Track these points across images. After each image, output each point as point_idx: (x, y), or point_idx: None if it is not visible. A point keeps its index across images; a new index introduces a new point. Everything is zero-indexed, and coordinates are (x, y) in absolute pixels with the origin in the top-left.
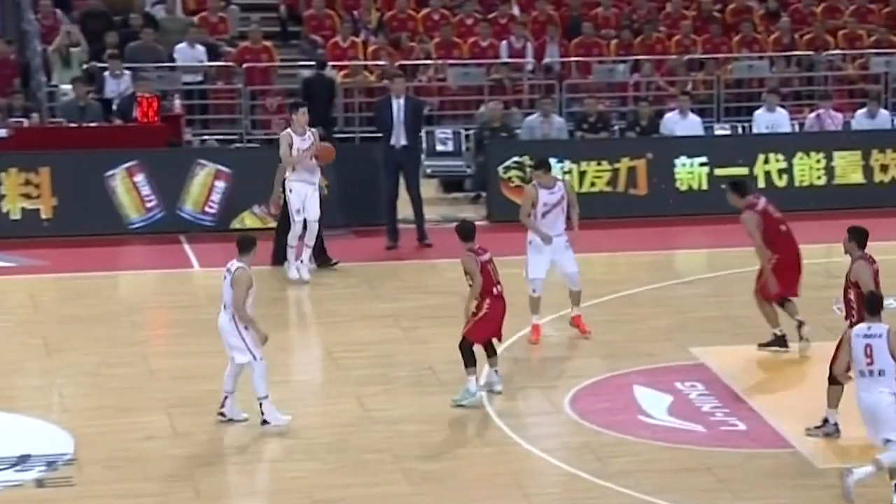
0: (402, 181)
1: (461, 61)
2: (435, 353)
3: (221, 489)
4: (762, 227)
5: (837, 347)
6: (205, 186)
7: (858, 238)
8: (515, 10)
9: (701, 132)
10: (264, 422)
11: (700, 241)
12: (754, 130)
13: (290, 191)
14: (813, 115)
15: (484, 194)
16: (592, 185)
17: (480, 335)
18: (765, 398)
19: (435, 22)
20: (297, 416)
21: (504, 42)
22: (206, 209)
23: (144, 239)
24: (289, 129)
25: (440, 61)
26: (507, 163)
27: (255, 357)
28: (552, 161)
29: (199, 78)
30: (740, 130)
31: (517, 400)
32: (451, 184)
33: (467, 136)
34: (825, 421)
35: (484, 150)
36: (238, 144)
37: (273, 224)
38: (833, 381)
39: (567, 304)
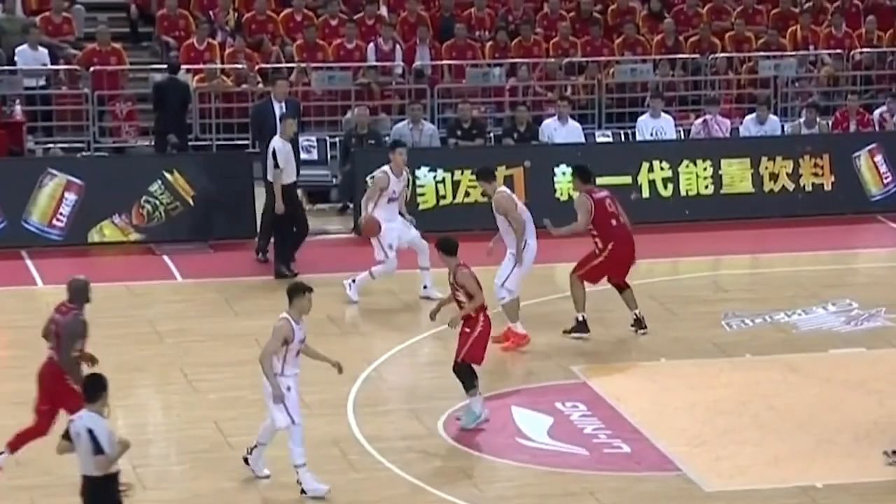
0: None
1: (326, 64)
2: (299, 374)
3: None
4: (593, 215)
5: None
6: (53, 198)
7: None
8: (383, 11)
9: (581, 139)
10: (303, 491)
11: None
12: (638, 137)
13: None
14: (699, 120)
15: (351, 205)
16: (467, 195)
17: (480, 355)
18: (650, 419)
19: (297, 23)
20: (150, 443)
21: (371, 44)
22: (54, 222)
23: None
24: (387, 169)
25: (303, 64)
26: (376, 172)
27: (293, 420)
28: (424, 170)
29: (42, 82)
30: (623, 137)
31: (387, 422)
32: (317, 194)
33: (333, 144)
34: None
35: (351, 158)
36: (85, 153)
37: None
38: None
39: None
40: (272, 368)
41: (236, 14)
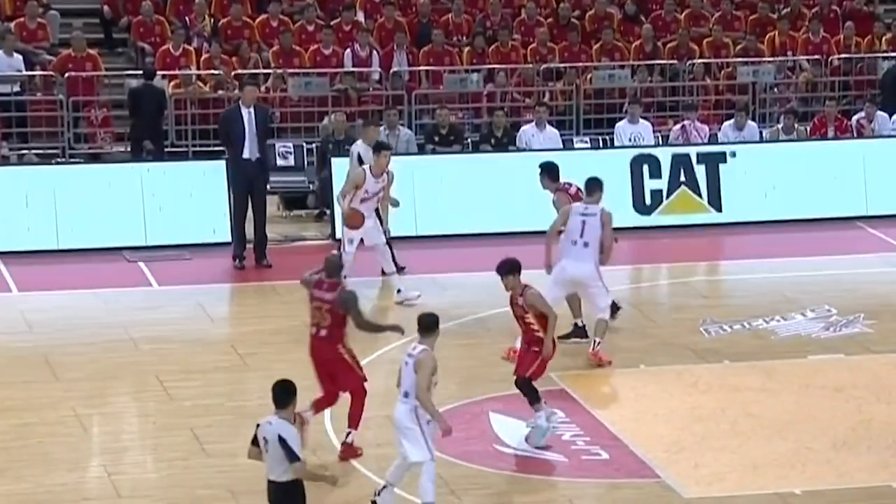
0: None
1: (302, 70)
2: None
3: None
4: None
5: None
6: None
7: None
8: (360, 17)
9: (559, 145)
10: None
11: None
12: (616, 143)
13: None
14: (678, 126)
15: (328, 212)
16: None
17: (541, 373)
18: (628, 425)
19: (273, 29)
20: (126, 450)
21: (348, 50)
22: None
23: None
24: (367, 167)
25: (280, 70)
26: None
27: (431, 456)
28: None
29: (17, 88)
30: (601, 143)
31: (364, 429)
32: (293, 200)
33: (310, 150)
34: None
35: (328, 164)
36: (60, 159)
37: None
38: None
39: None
40: (431, 402)
41: (212, 20)
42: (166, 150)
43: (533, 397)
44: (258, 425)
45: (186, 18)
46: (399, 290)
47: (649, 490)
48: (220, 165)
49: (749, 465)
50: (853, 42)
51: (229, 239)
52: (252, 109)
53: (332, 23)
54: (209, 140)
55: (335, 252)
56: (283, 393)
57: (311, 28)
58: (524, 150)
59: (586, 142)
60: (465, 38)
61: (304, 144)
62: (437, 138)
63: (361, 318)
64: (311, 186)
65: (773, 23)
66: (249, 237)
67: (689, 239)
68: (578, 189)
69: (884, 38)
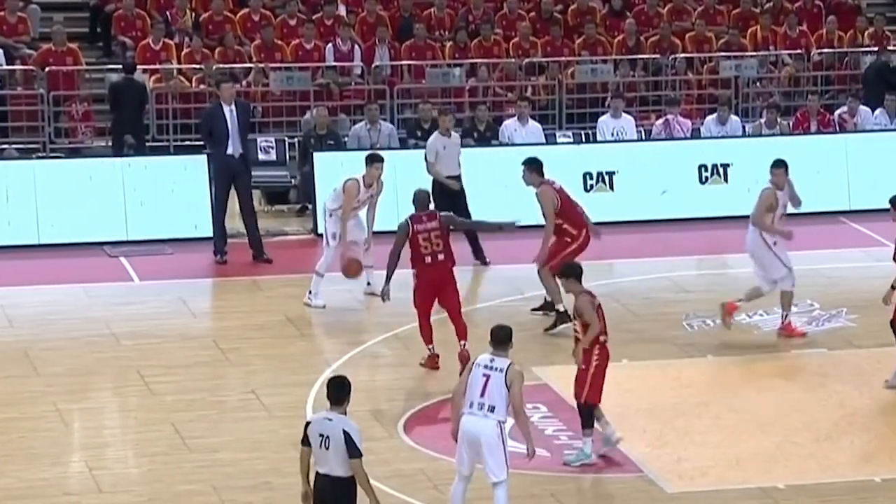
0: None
1: (284, 65)
2: (258, 376)
3: None
4: (557, 204)
5: None
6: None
7: None
8: (342, 11)
9: (542, 139)
10: None
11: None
12: (599, 138)
13: (330, 216)
14: (660, 121)
15: (310, 206)
16: None
17: (595, 396)
18: (611, 420)
19: (255, 23)
20: (107, 445)
21: (330, 44)
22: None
23: None
24: (359, 178)
25: (261, 65)
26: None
27: (508, 474)
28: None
29: None
30: (583, 138)
31: None
32: (275, 195)
33: (292, 145)
34: None
35: (310, 159)
36: (41, 154)
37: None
38: None
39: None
40: (528, 421)
41: (193, 14)
42: (147, 144)
43: (587, 422)
44: (308, 423)
45: (168, 13)
46: (368, 283)
47: (632, 484)
48: (202, 160)
49: (732, 460)
50: (836, 36)
51: (211, 234)
52: (233, 106)
53: (313, 17)
54: (191, 135)
55: (422, 188)
56: (339, 389)
57: (292, 22)
58: (507, 144)
59: (569, 136)
60: (447, 32)
61: (286, 139)
62: (419, 133)
63: (467, 222)
64: (292, 181)
65: (756, 17)
66: (230, 232)
67: (671, 233)
68: (562, 186)
69: (866, 33)
